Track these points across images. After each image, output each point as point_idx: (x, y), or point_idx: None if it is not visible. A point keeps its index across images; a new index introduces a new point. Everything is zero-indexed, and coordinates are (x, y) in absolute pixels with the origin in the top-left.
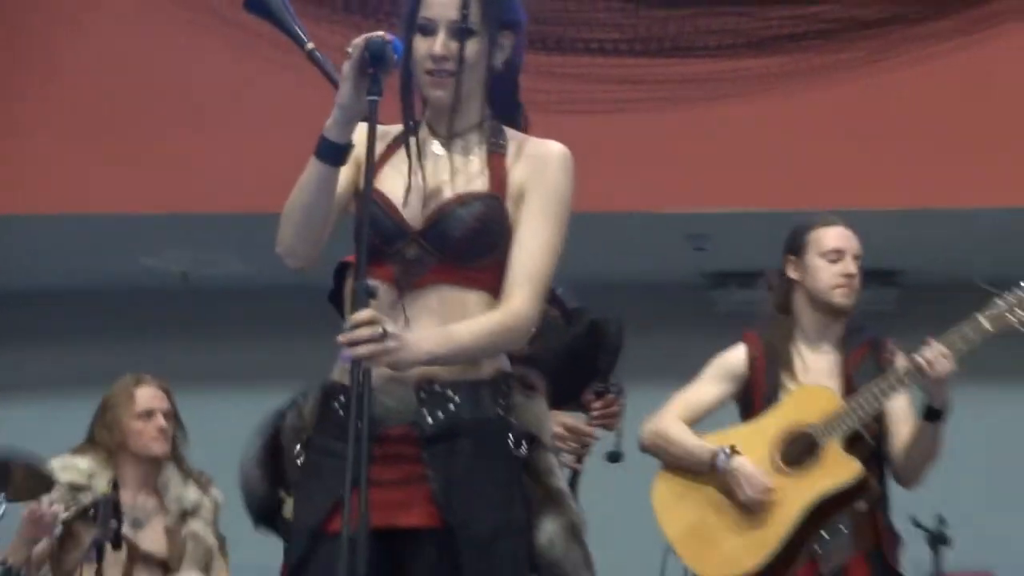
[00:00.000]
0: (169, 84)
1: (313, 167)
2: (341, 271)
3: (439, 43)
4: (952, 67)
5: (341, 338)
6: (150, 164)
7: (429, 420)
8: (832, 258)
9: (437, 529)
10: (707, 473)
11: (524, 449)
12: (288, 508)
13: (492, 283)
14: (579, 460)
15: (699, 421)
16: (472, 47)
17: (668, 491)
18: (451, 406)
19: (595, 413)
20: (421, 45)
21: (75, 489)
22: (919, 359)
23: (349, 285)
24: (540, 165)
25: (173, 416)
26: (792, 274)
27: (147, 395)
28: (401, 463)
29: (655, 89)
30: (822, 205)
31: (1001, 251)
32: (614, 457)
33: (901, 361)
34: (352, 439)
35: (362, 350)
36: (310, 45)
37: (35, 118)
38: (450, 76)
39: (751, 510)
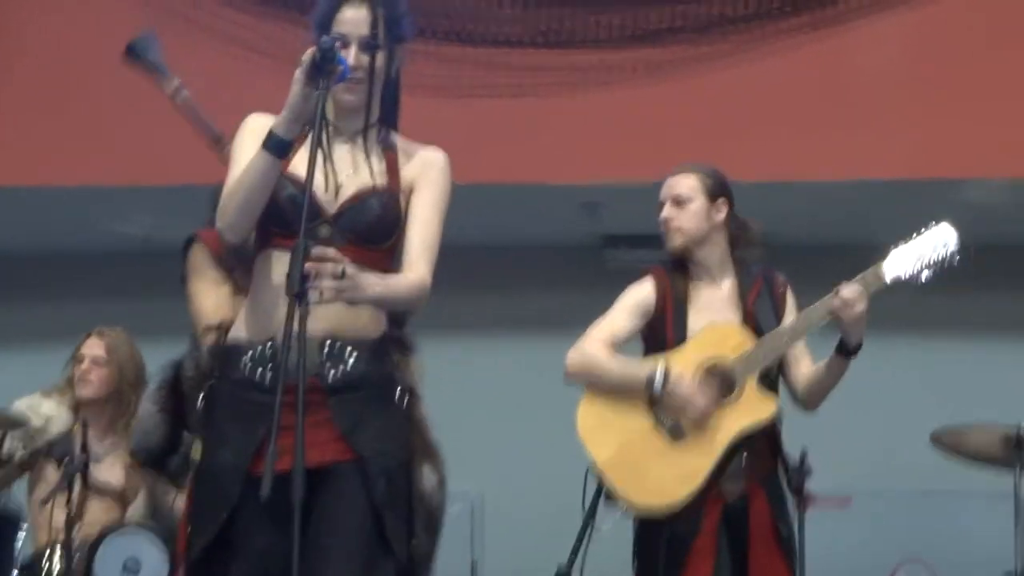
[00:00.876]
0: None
1: (260, 157)
2: (190, 241)
3: (352, 55)
4: (808, 57)
5: (310, 266)
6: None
7: (332, 373)
8: (659, 208)
9: (347, 462)
10: (635, 398)
11: (407, 400)
12: (196, 451)
13: (385, 263)
14: None
15: (617, 351)
16: (379, 60)
17: (593, 417)
18: (350, 361)
19: None
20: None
21: (32, 431)
22: (836, 301)
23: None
24: (427, 168)
25: (112, 363)
26: None
27: (85, 344)
28: (308, 410)
29: (551, 75)
30: None
31: (854, 218)
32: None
33: (792, 299)
34: (301, 385)
35: (327, 283)
36: (176, 82)
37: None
38: (358, 84)
39: (679, 435)
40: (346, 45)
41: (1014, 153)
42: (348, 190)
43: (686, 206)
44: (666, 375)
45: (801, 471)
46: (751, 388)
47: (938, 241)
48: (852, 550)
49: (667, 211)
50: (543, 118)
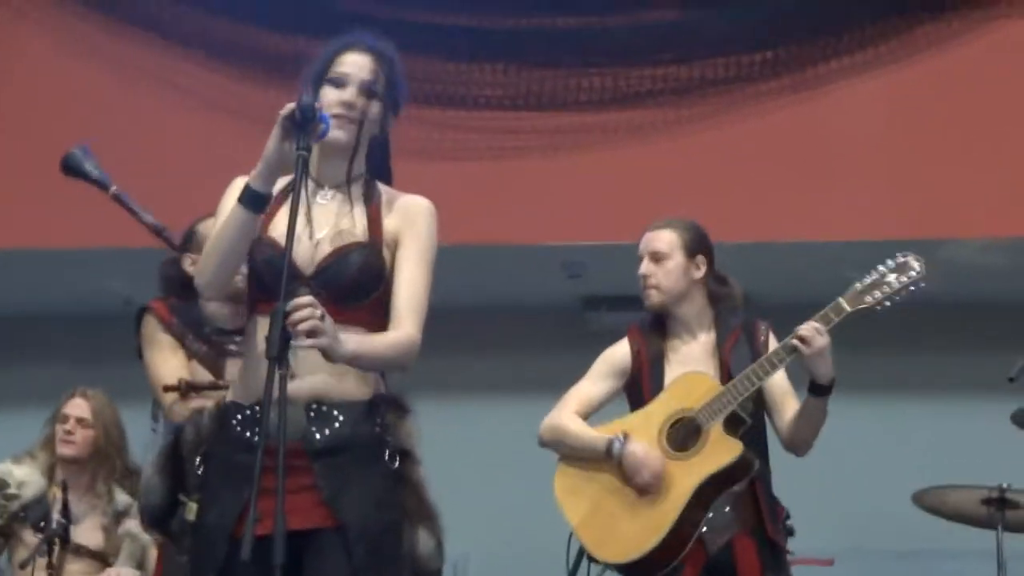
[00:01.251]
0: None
1: (236, 212)
2: (141, 312)
3: (350, 92)
4: (787, 119)
5: (291, 310)
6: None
7: (317, 436)
8: (640, 260)
9: (330, 529)
10: (602, 461)
11: (397, 463)
12: (191, 511)
13: (369, 320)
14: None
15: (591, 415)
16: (374, 107)
17: (567, 481)
18: (336, 424)
19: None
20: (331, 94)
21: (6, 497)
22: (795, 339)
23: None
24: (411, 217)
25: (98, 425)
26: None
27: (69, 404)
28: (293, 474)
29: (533, 138)
30: None
31: (833, 278)
32: None
33: (775, 343)
34: (281, 447)
35: (307, 324)
36: (114, 188)
37: None
38: (351, 123)
39: (645, 493)
40: (343, 85)
41: (988, 214)
42: (326, 247)
43: (664, 263)
44: (622, 445)
45: (783, 531)
46: (716, 433)
47: (901, 270)
48: None
49: (645, 267)
50: (524, 180)
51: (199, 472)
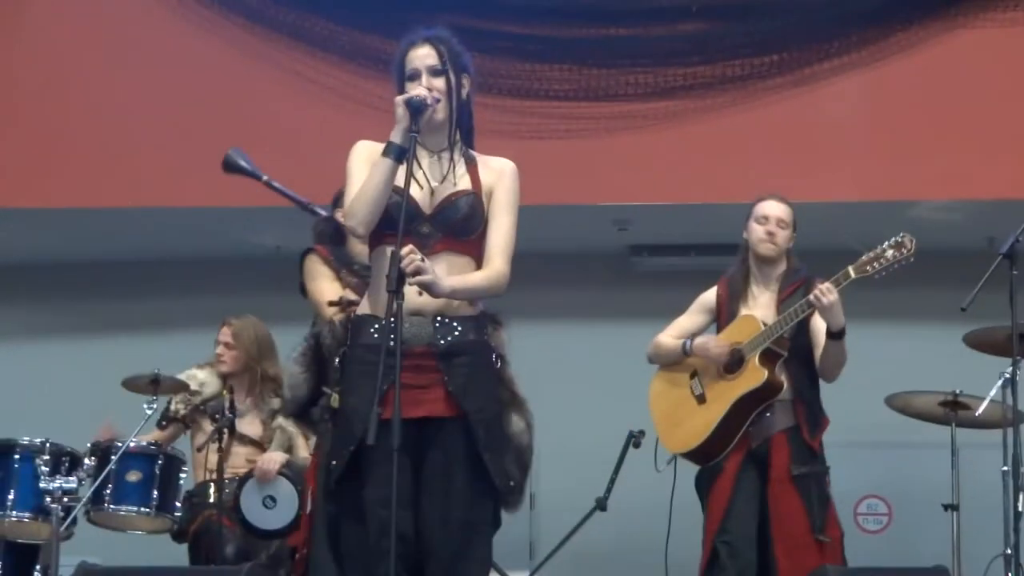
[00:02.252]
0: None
1: (382, 163)
2: (305, 254)
3: (424, 79)
4: (789, 107)
5: (403, 258)
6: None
7: (441, 341)
8: (761, 221)
9: (452, 418)
10: (683, 373)
11: (499, 363)
12: (334, 400)
13: (476, 252)
14: None
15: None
16: (447, 82)
17: (658, 386)
18: (456, 333)
19: None
20: (410, 88)
21: (191, 394)
22: (812, 296)
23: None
24: (502, 175)
25: (239, 346)
26: (744, 234)
27: (221, 332)
28: (423, 372)
29: (591, 123)
30: (707, 199)
31: (825, 231)
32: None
33: (800, 301)
34: (397, 351)
35: (413, 266)
36: (265, 177)
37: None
38: (438, 102)
39: (700, 401)
40: (417, 77)
41: (949, 181)
42: (440, 195)
43: (785, 230)
44: (691, 342)
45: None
46: (752, 363)
47: (897, 247)
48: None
49: (774, 227)
50: (584, 155)
51: (338, 369)
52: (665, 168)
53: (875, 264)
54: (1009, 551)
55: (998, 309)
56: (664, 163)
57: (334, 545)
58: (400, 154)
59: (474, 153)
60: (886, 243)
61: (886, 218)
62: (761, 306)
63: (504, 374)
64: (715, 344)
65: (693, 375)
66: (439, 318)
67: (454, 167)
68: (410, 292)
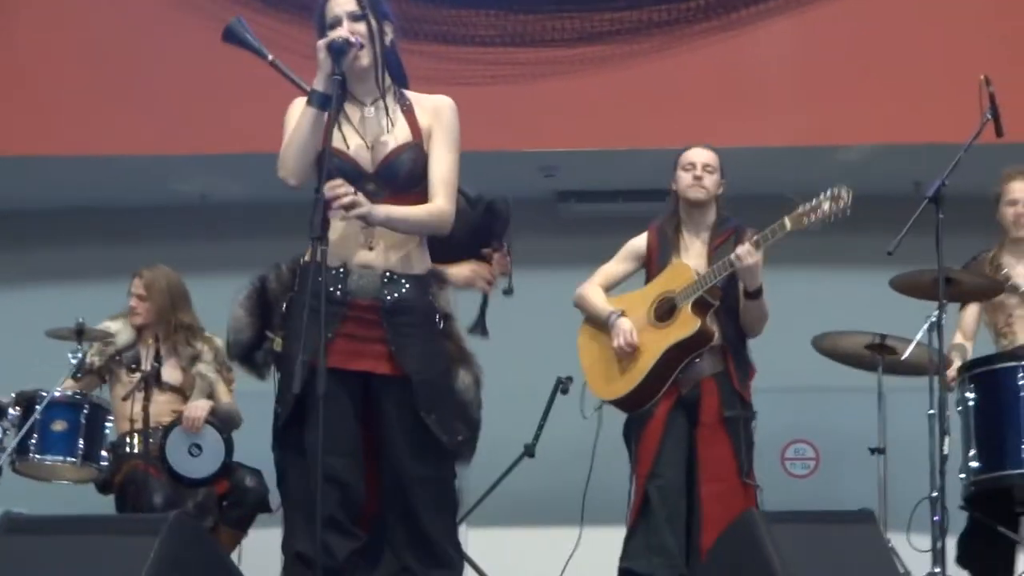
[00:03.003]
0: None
1: (307, 112)
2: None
3: (346, 26)
4: (717, 52)
5: (327, 191)
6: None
7: (388, 297)
8: (688, 168)
9: (397, 377)
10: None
11: (442, 323)
12: (277, 344)
13: (423, 202)
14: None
15: (613, 288)
16: (368, 26)
17: (585, 334)
18: (403, 290)
19: (495, 262)
20: (335, 34)
21: (106, 343)
22: (733, 256)
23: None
24: (439, 112)
25: (151, 297)
26: (672, 184)
27: (132, 283)
28: (367, 326)
29: (516, 69)
30: (634, 144)
31: (755, 177)
32: (508, 292)
33: (724, 258)
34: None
35: (345, 199)
36: (271, 57)
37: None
38: (362, 48)
39: (620, 353)
40: (338, 23)
41: (876, 126)
42: (382, 151)
43: (713, 175)
44: (616, 317)
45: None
46: (684, 312)
47: (835, 199)
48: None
49: (700, 171)
50: (510, 101)
51: (283, 314)
52: (592, 114)
53: (811, 216)
54: (935, 494)
55: (925, 253)
56: (591, 109)
57: (284, 490)
58: (323, 101)
59: (409, 94)
60: (822, 195)
61: (814, 163)
62: (693, 255)
63: (451, 331)
64: (627, 335)
65: None
66: (388, 273)
67: (389, 116)
68: (361, 246)
